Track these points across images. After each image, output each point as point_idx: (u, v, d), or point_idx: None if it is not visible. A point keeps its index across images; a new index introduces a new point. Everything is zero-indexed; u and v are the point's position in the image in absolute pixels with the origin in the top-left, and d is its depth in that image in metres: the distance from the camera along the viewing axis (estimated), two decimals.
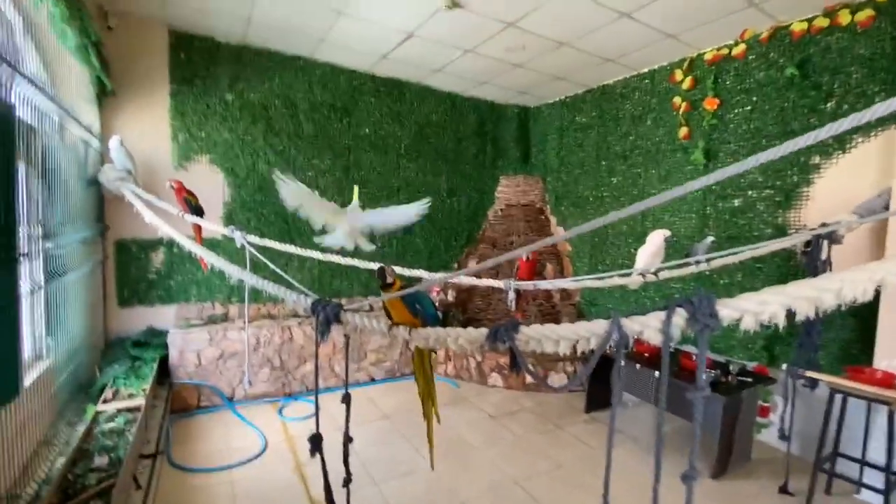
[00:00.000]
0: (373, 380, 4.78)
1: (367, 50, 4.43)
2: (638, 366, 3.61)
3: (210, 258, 2.51)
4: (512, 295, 3.14)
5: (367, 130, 5.18)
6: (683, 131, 4.18)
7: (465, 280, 3.19)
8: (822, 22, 3.26)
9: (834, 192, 3.25)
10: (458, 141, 5.84)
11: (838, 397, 2.73)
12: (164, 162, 4.15)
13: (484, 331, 1.49)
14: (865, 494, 2.88)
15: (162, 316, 4.21)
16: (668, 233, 2.47)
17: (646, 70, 4.58)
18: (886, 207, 2.90)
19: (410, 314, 1.75)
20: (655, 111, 4.50)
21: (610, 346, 1.25)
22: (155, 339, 3.91)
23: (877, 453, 2.78)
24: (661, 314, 1.15)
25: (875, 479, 2.77)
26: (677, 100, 4.24)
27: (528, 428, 3.82)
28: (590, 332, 1.27)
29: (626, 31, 3.73)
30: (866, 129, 3.09)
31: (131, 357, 3.69)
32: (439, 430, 3.73)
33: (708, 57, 3.98)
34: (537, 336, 1.37)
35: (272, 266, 2.68)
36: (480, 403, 4.32)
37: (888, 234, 2.88)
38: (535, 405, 4.31)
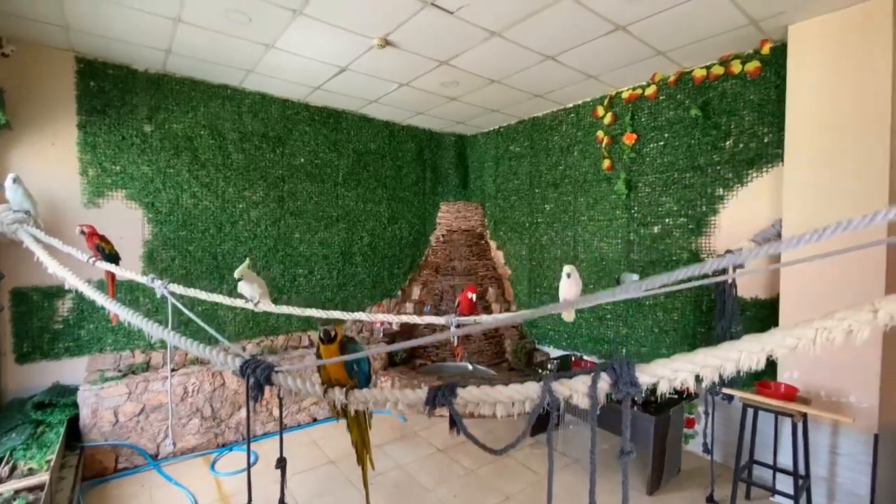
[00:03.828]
0: (315, 420, 4.57)
1: (299, 81, 4.35)
2: None
3: (125, 315, 2.30)
4: (454, 330, 3.16)
5: (302, 160, 5.05)
6: (606, 163, 4.49)
7: (406, 319, 3.17)
8: (718, 70, 3.66)
9: (737, 222, 3.62)
10: (397, 168, 5.86)
11: (750, 410, 3.00)
12: (71, 200, 3.78)
13: (422, 393, 1.49)
14: (779, 498, 3.17)
15: (71, 370, 3.78)
16: (570, 268, 2.78)
17: (571, 105, 4.88)
18: (779, 235, 3.28)
19: (346, 374, 1.71)
20: (581, 143, 4.80)
21: (545, 408, 1.29)
22: (62, 399, 3.49)
23: (786, 458, 3.08)
24: (588, 378, 1.21)
25: (786, 483, 3.06)
26: (600, 134, 4.55)
27: (478, 459, 3.82)
28: (524, 396, 1.32)
29: (551, 71, 3.96)
30: (759, 166, 3.49)
31: (33, 422, 3.28)
32: (389, 471, 3.64)
33: (625, 95, 4.32)
34: (475, 399, 1.39)
35: (199, 321, 2.50)
36: (429, 437, 4.27)
37: (782, 259, 3.23)
38: (484, 433, 4.31)
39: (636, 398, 3.35)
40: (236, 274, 2.71)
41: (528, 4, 2.92)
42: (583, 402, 1.22)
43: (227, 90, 4.51)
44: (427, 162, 6.15)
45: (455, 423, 1.45)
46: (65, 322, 3.77)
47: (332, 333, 1.67)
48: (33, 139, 3.61)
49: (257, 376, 1.76)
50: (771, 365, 3.34)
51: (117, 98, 3.97)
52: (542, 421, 4.16)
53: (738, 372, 1.08)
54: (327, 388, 1.68)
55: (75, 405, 3.49)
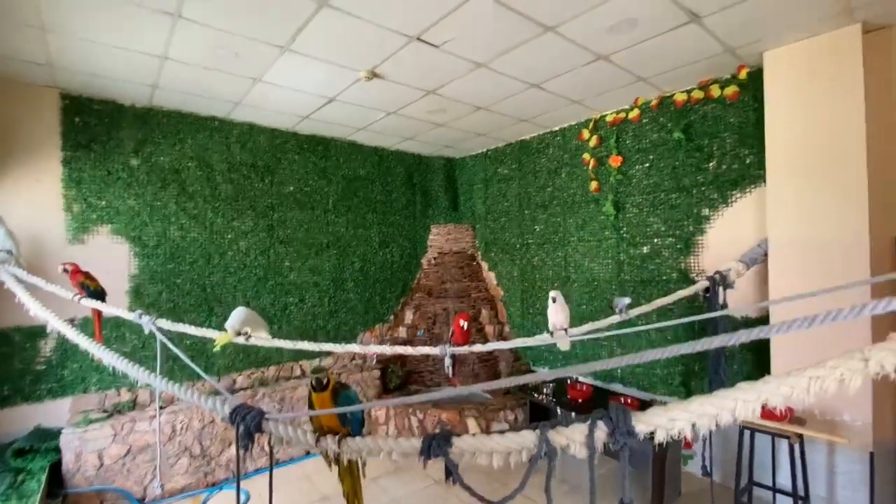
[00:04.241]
0: (307, 453, 4.46)
1: (287, 111, 4.37)
2: (573, 414, 3.72)
3: (110, 360, 2.24)
4: (449, 361, 3.13)
5: (291, 188, 5.04)
6: (594, 185, 4.54)
7: (400, 350, 3.13)
8: (699, 94, 3.75)
9: (724, 241, 3.66)
10: (387, 193, 5.87)
11: (747, 432, 2.99)
12: (56, 236, 3.71)
13: (417, 442, 1.46)
14: None
15: (54, 412, 3.66)
16: (555, 293, 2.82)
17: (557, 128, 4.96)
18: (766, 255, 3.32)
19: (339, 422, 1.68)
20: (569, 165, 4.86)
21: (542, 455, 1.27)
22: (44, 444, 3.37)
23: (785, 479, 3.06)
24: (585, 427, 1.20)
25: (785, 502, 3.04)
26: (586, 156, 4.61)
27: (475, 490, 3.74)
28: (520, 446, 1.30)
29: (537, 98, 4.03)
30: (742, 186, 3.56)
31: (13, 470, 3.15)
32: None
33: (609, 119, 4.40)
34: (471, 449, 1.37)
35: (187, 360, 2.44)
36: (425, 468, 4.18)
37: (769, 277, 3.28)
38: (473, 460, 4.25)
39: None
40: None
41: (512, 37, 2.98)
42: (580, 452, 1.20)
43: (215, 122, 4.51)
44: (417, 185, 6.17)
45: (451, 473, 1.42)
46: (47, 362, 3.66)
47: (325, 381, 1.64)
48: (16, 176, 3.56)
49: (247, 424, 1.72)
50: None
51: (103, 133, 3.94)
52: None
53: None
54: (319, 437, 1.64)
55: (57, 450, 3.36)
